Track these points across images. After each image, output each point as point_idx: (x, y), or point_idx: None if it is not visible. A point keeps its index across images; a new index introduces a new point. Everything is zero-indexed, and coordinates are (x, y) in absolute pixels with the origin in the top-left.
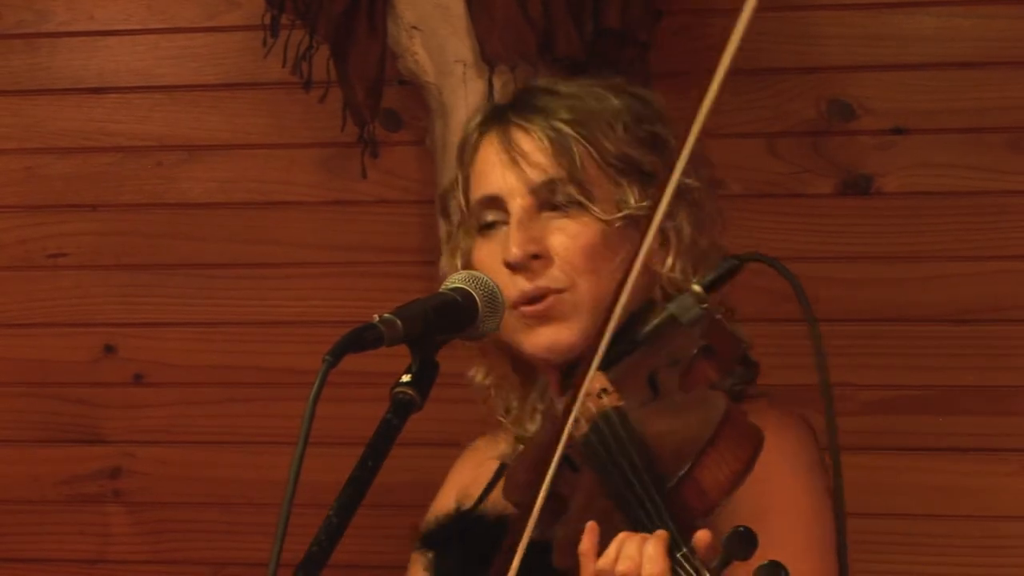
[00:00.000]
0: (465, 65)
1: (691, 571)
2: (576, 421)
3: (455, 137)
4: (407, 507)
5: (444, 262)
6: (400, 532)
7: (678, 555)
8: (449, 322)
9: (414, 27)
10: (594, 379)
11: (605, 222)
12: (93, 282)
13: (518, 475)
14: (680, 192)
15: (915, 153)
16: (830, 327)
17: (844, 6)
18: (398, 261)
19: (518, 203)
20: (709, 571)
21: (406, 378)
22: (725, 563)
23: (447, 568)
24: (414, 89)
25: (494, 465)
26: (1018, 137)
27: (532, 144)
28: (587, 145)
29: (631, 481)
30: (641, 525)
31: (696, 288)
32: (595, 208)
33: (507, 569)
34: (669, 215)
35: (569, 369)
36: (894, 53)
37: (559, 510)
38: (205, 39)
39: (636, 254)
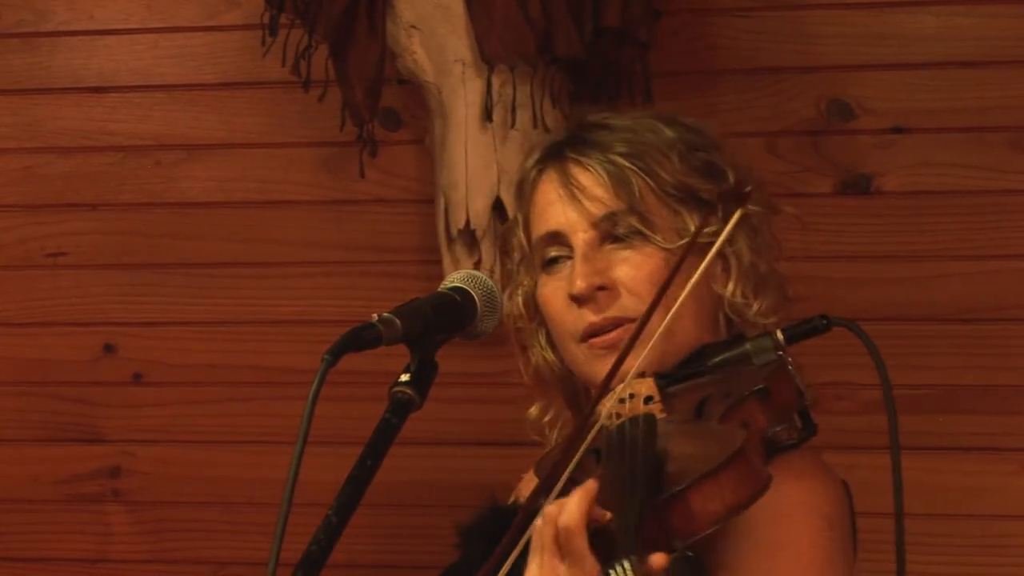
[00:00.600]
0: (464, 64)
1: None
2: (611, 416)
3: (455, 136)
4: (406, 507)
5: (504, 302)
6: (399, 532)
7: (624, 561)
8: (448, 321)
9: (413, 26)
10: (644, 385)
11: (668, 250)
12: (92, 281)
13: (550, 455)
14: (740, 218)
15: (915, 152)
16: None
17: (844, 5)
18: (397, 260)
19: (581, 237)
20: None
21: (405, 377)
22: None
23: (474, 554)
24: (413, 88)
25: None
26: (1019, 136)
27: (591, 179)
28: (644, 176)
29: (627, 483)
30: (619, 525)
31: (778, 335)
32: (656, 237)
33: (515, 541)
34: (729, 240)
35: None
36: (894, 52)
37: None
38: (204, 38)
39: (693, 283)
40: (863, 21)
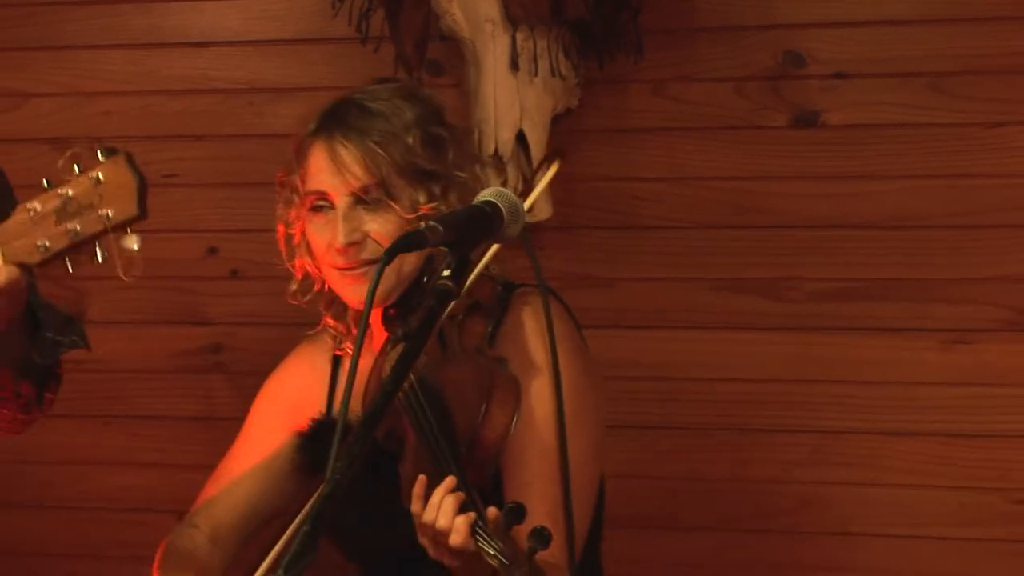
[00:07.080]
0: (494, 24)
1: (486, 537)
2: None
3: (486, 81)
4: None
5: (280, 210)
6: None
7: (477, 528)
8: (481, 228)
9: None
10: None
11: (404, 219)
12: (199, 198)
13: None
14: (454, 183)
15: (854, 94)
16: (784, 232)
17: None
18: None
19: (342, 200)
20: (499, 537)
21: (446, 273)
22: (507, 527)
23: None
24: (453, 43)
25: (325, 363)
26: (936, 80)
27: (351, 158)
28: (390, 159)
29: (439, 451)
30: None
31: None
32: (396, 207)
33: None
34: (446, 202)
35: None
36: (838, 12)
37: (399, 445)
38: (286, 4)
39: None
40: None
